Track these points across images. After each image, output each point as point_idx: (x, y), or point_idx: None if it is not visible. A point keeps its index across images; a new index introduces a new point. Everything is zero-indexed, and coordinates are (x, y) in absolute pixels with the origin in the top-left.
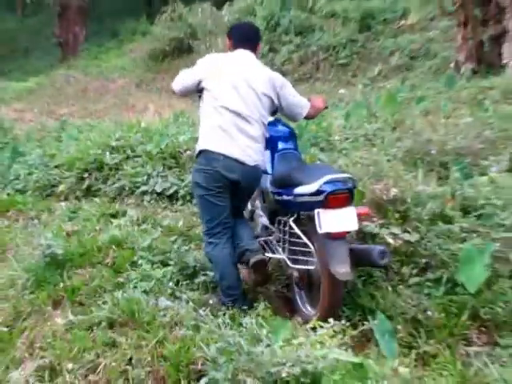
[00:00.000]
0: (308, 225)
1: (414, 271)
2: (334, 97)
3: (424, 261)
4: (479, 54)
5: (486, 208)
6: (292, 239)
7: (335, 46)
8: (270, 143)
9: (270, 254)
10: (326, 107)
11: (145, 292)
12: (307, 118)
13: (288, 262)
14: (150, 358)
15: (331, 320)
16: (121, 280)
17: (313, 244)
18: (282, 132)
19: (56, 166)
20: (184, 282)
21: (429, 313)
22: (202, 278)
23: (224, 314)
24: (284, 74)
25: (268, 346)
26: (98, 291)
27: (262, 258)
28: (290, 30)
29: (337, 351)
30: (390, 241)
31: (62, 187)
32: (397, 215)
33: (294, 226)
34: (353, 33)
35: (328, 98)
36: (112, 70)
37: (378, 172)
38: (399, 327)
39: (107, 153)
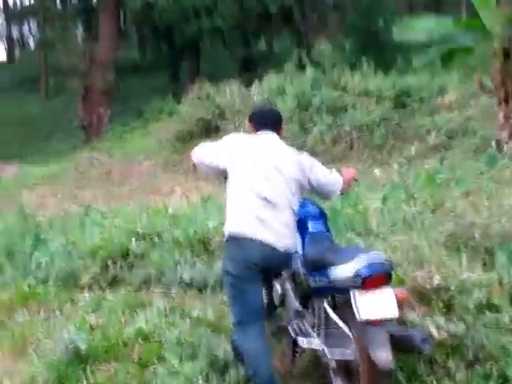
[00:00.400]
0: (344, 308)
1: (461, 365)
2: (368, 177)
3: (471, 353)
4: None
5: None
6: (328, 324)
7: (369, 124)
8: (300, 224)
9: (303, 341)
10: (356, 179)
11: None
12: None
13: (327, 353)
14: None
15: None
16: (147, 376)
17: (350, 329)
18: (311, 212)
19: (79, 255)
20: (214, 377)
21: None
22: (233, 373)
23: None
24: (316, 154)
25: None
26: None
27: None
28: (321, 109)
29: None
30: (434, 332)
31: (85, 277)
32: (441, 304)
33: (329, 310)
34: (387, 111)
35: (363, 179)
36: (137, 152)
37: (418, 257)
38: None
39: (133, 239)
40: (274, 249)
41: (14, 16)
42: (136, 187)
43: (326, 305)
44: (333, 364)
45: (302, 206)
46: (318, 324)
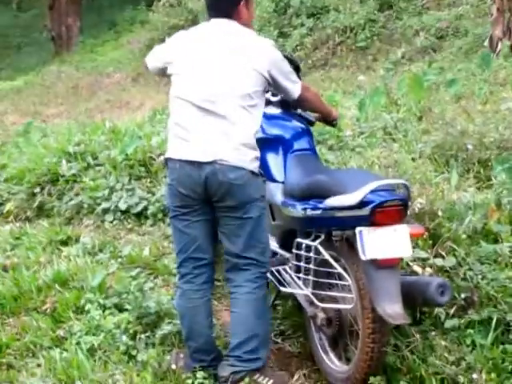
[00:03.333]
0: (343, 249)
1: (452, 310)
2: (352, 84)
3: (464, 295)
4: None
5: None
6: (319, 268)
7: (353, 27)
8: (280, 143)
9: (284, 289)
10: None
11: (90, 350)
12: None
13: (314, 300)
14: None
15: None
16: (61, 333)
17: (349, 275)
18: (294, 128)
19: (6, 180)
20: (143, 336)
21: (474, 376)
22: (166, 329)
23: None
24: None
25: None
26: (31, 349)
27: None
28: (301, 12)
29: None
30: (417, 268)
31: (9, 205)
32: (425, 234)
33: (322, 250)
34: (372, 12)
35: (346, 86)
36: (107, 64)
37: (399, 175)
38: None
39: (63, 161)
40: (199, 164)
41: None
42: (103, 102)
43: (317, 243)
44: (321, 315)
45: (282, 119)
46: (305, 268)
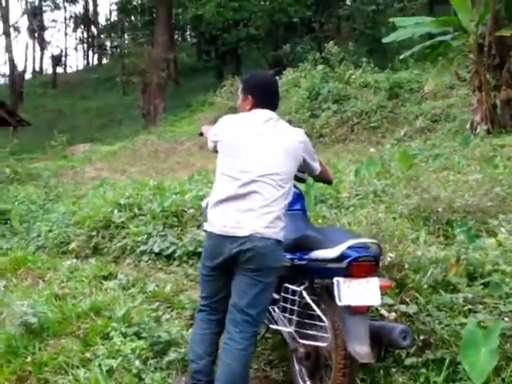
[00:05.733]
0: (322, 295)
1: (412, 350)
2: (365, 155)
3: (422, 337)
4: (492, 116)
5: (493, 275)
6: (301, 310)
7: (367, 111)
8: None
9: (272, 326)
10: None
11: (109, 371)
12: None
13: (296, 337)
14: None
15: None
16: (87, 355)
17: (327, 317)
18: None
19: (73, 224)
20: (152, 361)
21: None
22: (172, 356)
23: None
24: (323, 136)
25: None
26: (63, 367)
27: None
28: (328, 99)
29: None
30: (384, 313)
31: (73, 245)
32: (392, 286)
33: (305, 295)
34: (382, 100)
35: (360, 156)
36: (181, 135)
37: (379, 231)
38: None
39: (115, 211)
40: (236, 238)
41: (101, 30)
42: (174, 163)
43: (302, 289)
44: (301, 350)
45: None
46: (290, 309)
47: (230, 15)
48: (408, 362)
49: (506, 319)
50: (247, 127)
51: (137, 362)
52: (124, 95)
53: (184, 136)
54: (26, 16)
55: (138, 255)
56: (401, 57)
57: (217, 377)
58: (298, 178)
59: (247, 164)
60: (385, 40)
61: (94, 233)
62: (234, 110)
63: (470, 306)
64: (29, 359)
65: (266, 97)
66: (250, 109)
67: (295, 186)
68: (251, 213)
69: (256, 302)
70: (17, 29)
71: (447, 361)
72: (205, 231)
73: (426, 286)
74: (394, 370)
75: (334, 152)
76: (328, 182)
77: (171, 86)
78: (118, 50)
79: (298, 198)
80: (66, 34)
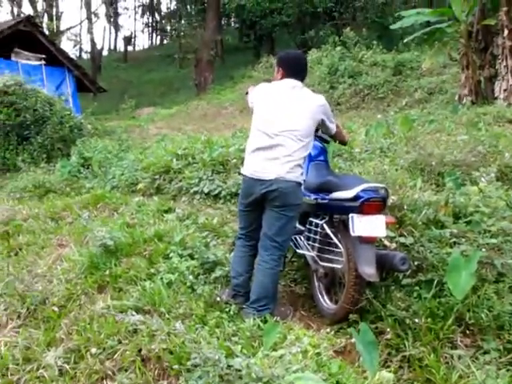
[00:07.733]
0: (339, 227)
1: (407, 273)
2: (373, 120)
3: (416, 263)
4: (477, 90)
5: (474, 215)
6: (322, 239)
7: (376, 85)
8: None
9: (298, 250)
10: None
11: (169, 283)
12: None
13: (317, 260)
14: (157, 349)
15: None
16: (152, 271)
17: (342, 245)
18: (315, 146)
19: (141, 169)
20: (202, 276)
21: (416, 320)
22: (218, 273)
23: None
24: (340, 104)
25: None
26: (133, 279)
27: None
28: (344, 74)
29: (310, 376)
30: (387, 243)
31: (140, 186)
32: (395, 222)
33: (326, 227)
34: (388, 76)
35: (369, 121)
36: (226, 101)
37: (384, 180)
38: (388, 329)
39: (174, 159)
40: (263, 181)
41: (163, 16)
42: (219, 124)
43: (323, 222)
44: (321, 270)
45: None
46: (313, 238)
47: (266, 5)
48: (404, 281)
49: (484, 250)
50: (277, 92)
51: (190, 277)
52: (180, 69)
53: (228, 102)
54: (104, 4)
55: (192, 194)
56: (404, 41)
57: (252, 289)
58: (322, 139)
59: (274, 121)
60: (392, 27)
61: (156, 176)
62: (268, 82)
63: (454, 239)
64: (107, 272)
65: (294, 69)
66: (281, 78)
67: (320, 143)
68: (276, 161)
69: (282, 231)
70: (96, 15)
71: (435, 281)
72: (239, 174)
73: (420, 223)
74: (393, 287)
75: (348, 117)
76: (343, 142)
77: (218, 62)
78: (176, 32)
79: (322, 151)
80: (135, 20)
